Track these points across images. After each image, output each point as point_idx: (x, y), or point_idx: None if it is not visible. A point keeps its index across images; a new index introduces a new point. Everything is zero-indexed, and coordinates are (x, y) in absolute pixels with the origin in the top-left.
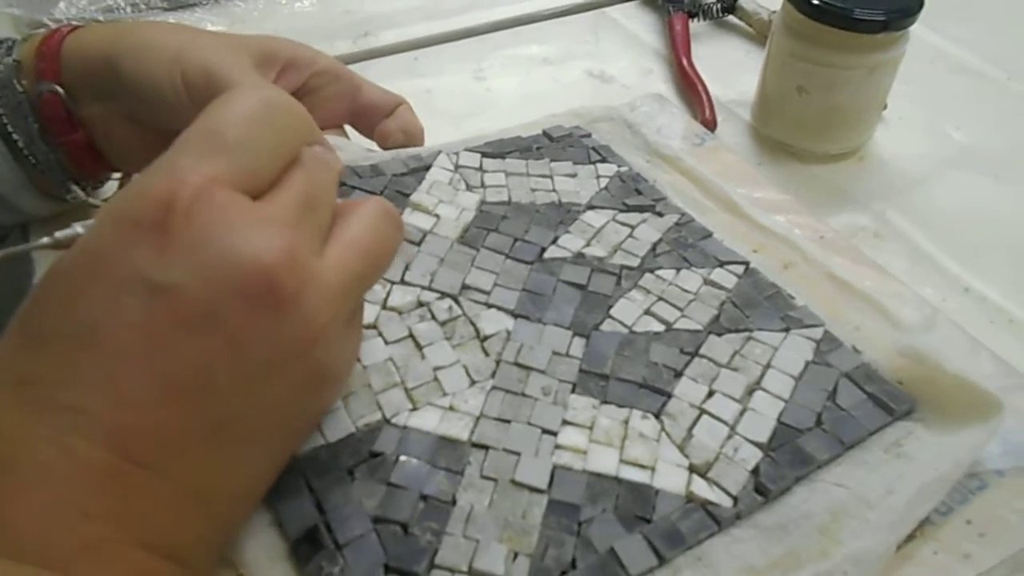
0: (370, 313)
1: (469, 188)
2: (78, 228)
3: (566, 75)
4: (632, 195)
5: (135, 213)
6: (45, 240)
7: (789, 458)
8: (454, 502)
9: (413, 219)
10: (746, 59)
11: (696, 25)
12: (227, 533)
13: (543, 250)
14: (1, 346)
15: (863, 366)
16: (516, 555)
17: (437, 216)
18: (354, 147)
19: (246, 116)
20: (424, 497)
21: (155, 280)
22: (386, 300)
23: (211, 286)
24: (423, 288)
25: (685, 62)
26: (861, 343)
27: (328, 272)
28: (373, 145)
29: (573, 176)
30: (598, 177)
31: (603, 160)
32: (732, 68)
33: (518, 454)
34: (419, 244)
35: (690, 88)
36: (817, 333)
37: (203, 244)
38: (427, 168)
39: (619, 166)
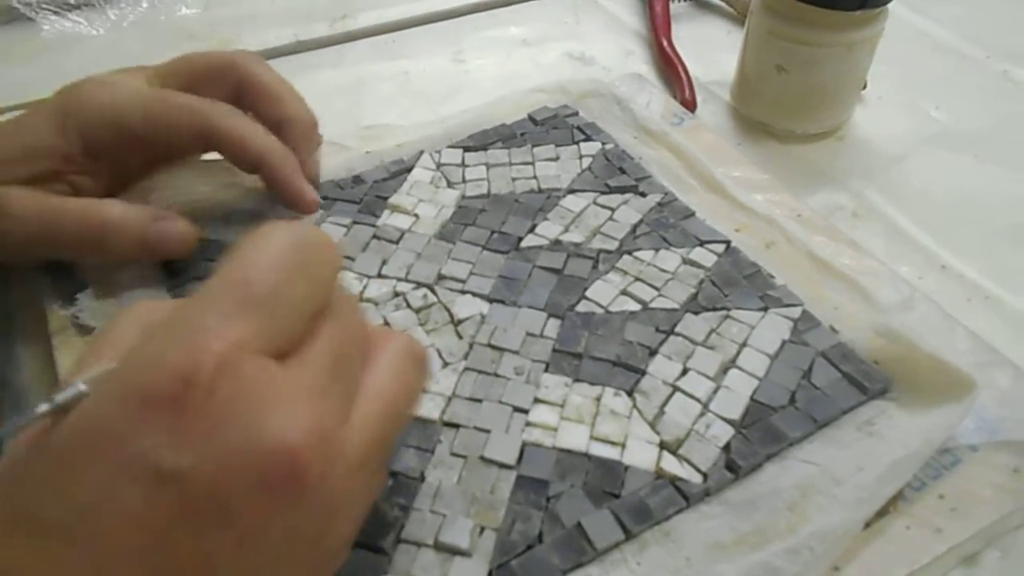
0: None
1: (450, 185)
2: (80, 386)
3: (545, 57)
4: (615, 175)
5: (148, 388)
6: (44, 407)
7: (760, 435)
8: (423, 478)
9: (392, 220)
10: (727, 39)
11: (677, 6)
12: None
13: (520, 240)
14: None
15: (839, 345)
16: (483, 529)
17: (416, 216)
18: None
19: (278, 263)
20: (393, 474)
21: (164, 466)
22: (362, 293)
23: (228, 472)
24: (399, 280)
25: (665, 43)
26: (839, 323)
27: (355, 439)
28: (369, 145)
29: (555, 160)
30: (580, 157)
31: (587, 139)
32: (713, 49)
33: (488, 431)
34: (397, 243)
35: (670, 69)
36: (795, 312)
37: (223, 424)
38: (409, 170)
39: (604, 143)
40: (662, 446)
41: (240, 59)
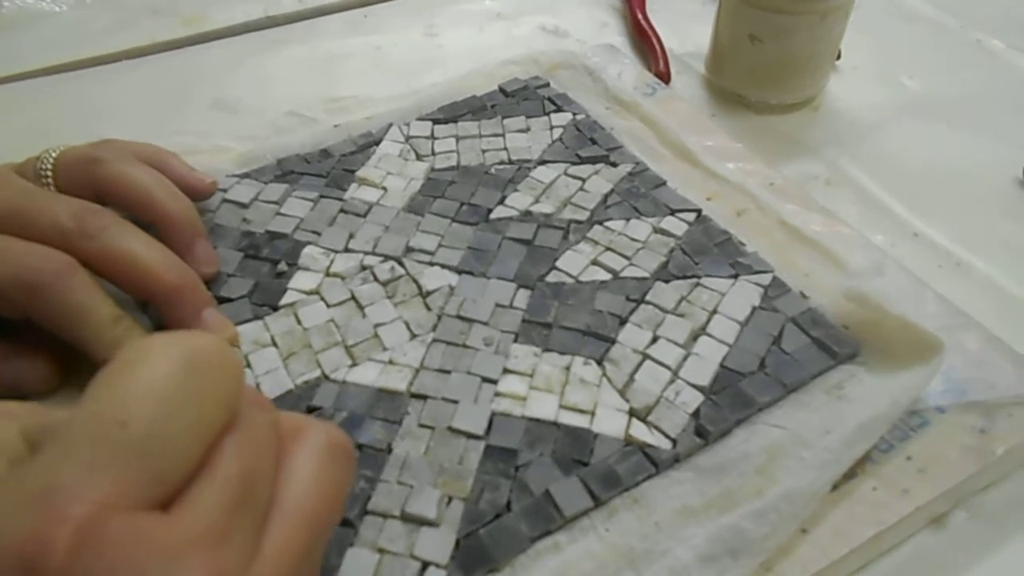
0: (312, 281)
1: (419, 157)
2: None
3: (519, 30)
4: (586, 145)
5: None
6: None
7: (730, 401)
8: (390, 450)
9: (360, 193)
10: (702, 11)
11: None
12: None
13: (489, 211)
14: None
15: (809, 311)
16: (450, 499)
17: (384, 189)
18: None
19: (160, 393)
20: (359, 447)
21: None
22: (329, 268)
23: None
24: (366, 253)
25: (640, 15)
26: (809, 289)
27: (268, 571)
28: (337, 118)
29: (526, 131)
30: (551, 128)
31: (558, 109)
32: (687, 21)
33: (456, 402)
34: (364, 216)
35: (644, 41)
36: (766, 279)
37: None
38: (377, 143)
39: (575, 114)
40: (631, 413)
41: (102, 154)
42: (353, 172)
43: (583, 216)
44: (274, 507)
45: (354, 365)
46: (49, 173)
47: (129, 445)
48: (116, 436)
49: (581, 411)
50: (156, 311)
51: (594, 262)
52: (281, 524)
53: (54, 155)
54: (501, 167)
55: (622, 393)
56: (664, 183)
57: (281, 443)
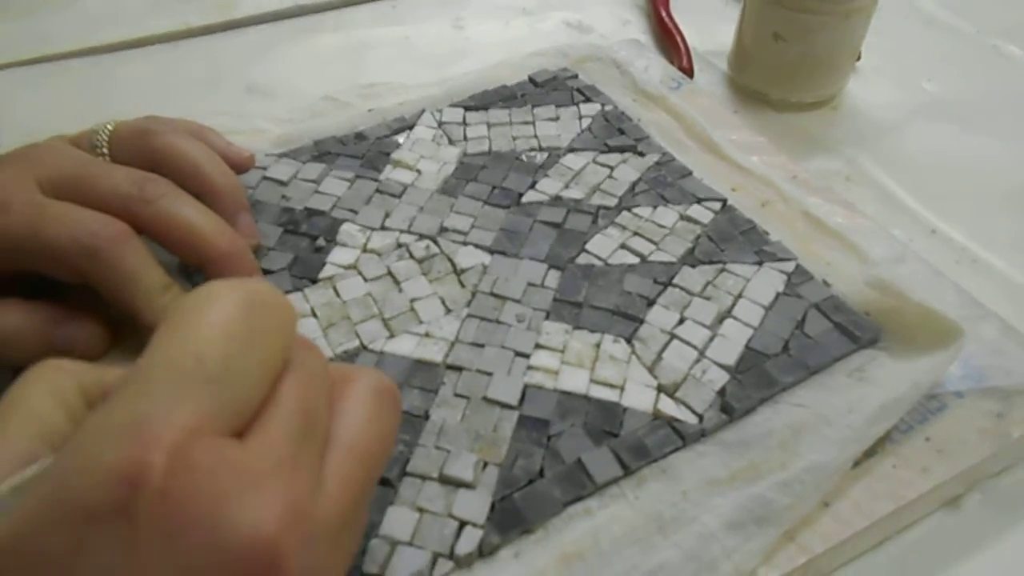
0: (350, 256)
1: (451, 142)
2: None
3: (544, 24)
4: (614, 135)
5: (89, 498)
6: None
7: (755, 380)
8: (427, 417)
9: (395, 175)
10: (725, 10)
11: None
12: None
13: (520, 195)
14: None
15: (832, 298)
16: (486, 464)
17: (419, 171)
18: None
19: (228, 331)
20: None
21: None
22: (366, 244)
23: None
24: (402, 232)
25: (664, 13)
26: (832, 277)
27: (331, 503)
28: (371, 103)
29: (555, 120)
30: (580, 118)
31: (587, 100)
32: (711, 19)
33: (491, 374)
34: (399, 197)
35: (668, 38)
36: (789, 267)
37: (184, 529)
38: (411, 127)
39: (603, 105)
40: (660, 389)
41: (154, 127)
42: (388, 154)
43: (611, 202)
44: (331, 445)
45: (391, 337)
46: (105, 144)
47: (206, 378)
48: (194, 370)
49: (611, 386)
50: (201, 279)
51: (622, 246)
52: (340, 459)
53: (109, 128)
54: (532, 153)
55: (650, 370)
56: (690, 173)
57: (334, 387)
